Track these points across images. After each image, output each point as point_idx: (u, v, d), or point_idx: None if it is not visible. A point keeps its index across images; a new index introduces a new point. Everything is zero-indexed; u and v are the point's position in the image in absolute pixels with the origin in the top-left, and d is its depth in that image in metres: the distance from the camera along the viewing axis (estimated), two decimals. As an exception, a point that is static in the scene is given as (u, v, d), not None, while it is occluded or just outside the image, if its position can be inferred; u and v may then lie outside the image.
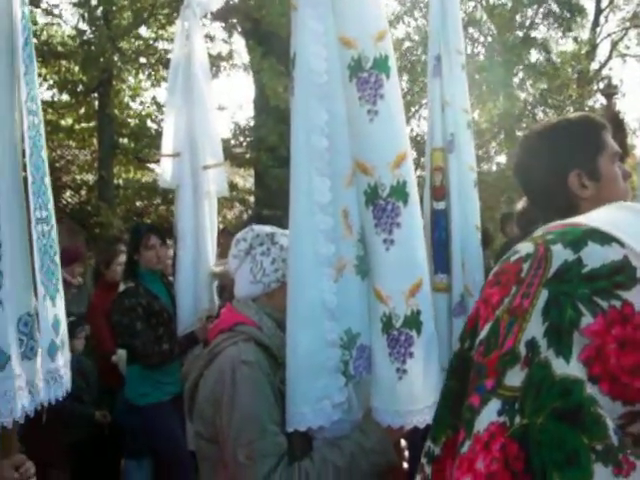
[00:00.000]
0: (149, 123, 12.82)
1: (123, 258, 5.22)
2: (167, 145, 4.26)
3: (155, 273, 4.37)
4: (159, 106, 12.54)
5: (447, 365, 1.11)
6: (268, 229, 2.30)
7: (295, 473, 1.95)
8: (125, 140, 13.01)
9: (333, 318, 1.95)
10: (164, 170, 4.27)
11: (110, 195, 11.71)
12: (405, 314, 1.91)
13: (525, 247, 0.97)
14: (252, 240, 2.27)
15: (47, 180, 2.16)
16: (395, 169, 1.89)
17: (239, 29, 11.76)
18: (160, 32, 12.48)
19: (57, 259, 2.17)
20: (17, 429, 2.04)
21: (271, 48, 10.79)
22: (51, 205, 2.18)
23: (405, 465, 2.23)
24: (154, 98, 13.32)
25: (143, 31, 12.49)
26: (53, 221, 2.16)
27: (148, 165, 13.85)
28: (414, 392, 1.94)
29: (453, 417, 1.00)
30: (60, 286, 2.17)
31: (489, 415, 0.86)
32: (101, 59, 11.11)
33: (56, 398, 2.11)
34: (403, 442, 2.20)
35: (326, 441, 2.03)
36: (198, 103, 4.14)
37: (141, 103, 14.07)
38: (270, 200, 10.09)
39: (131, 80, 13.60)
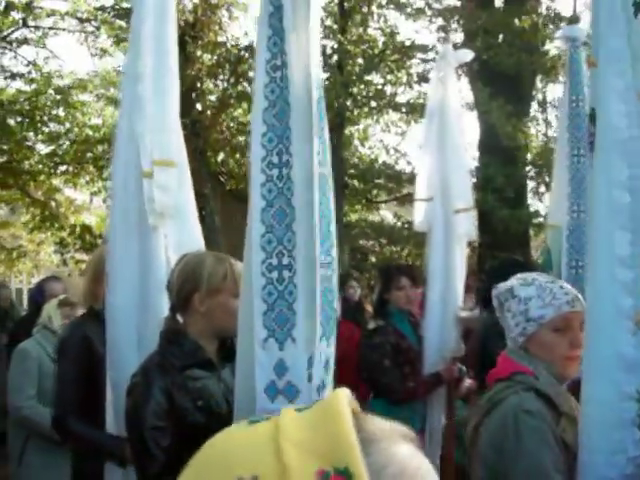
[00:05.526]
0: (377, 166, 13.23)
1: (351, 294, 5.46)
2: (421, 189, 4.44)
3: (403, 312, 4.51)
4: (387, 150, 12.94)
5: None
6: (509, 284, 2.33)
7: None
8: (354, 181, 13.51)
9: (630, 371, 1.96)
10: (417, 213, 4.45)
11: (340, 233, 12.15)
12: None
13: None
14: (498, 297, 2.35)
15: (332, 227, 2.23)
16: (701, 225, 1.88)
17: (465, 69, 11.89)
18: (389, 77, 12.89)
19: (335, 304, 2.22)
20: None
21: (499, 88, 10.77)
22: (335, 251, 2.22)
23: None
24: (382, 141, 13.79)
25: (372, 76, 12.97)
26: (335, 266, 2.20)
27: (376, 206, 14.26)
28: None
29: None
30: (334, 329, 2.21)
31: None
32: (335, 104, 11.70)
33: None
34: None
35: (616, 495, 2.02)
36: (451, 148, 4.28)
37: (369, 148, 14.58)
38: (495, 242, 9.94)
39: (361, 124, 14.13)
